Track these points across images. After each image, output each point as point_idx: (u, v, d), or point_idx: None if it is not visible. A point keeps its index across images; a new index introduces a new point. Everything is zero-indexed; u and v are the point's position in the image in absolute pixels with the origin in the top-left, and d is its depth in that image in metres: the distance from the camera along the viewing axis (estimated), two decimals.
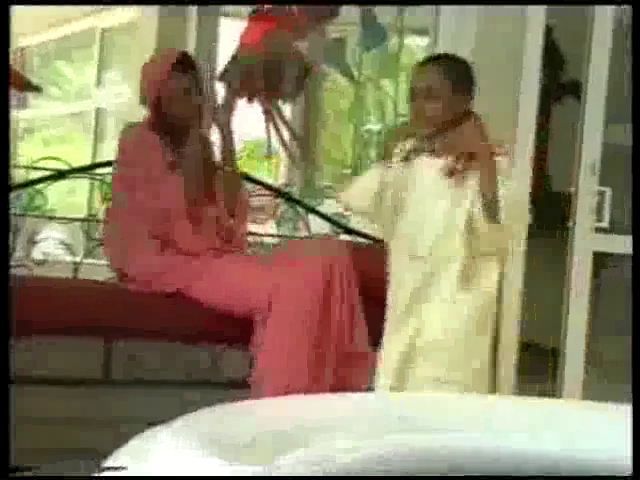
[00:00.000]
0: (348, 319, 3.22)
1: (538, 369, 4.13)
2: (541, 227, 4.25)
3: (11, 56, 7.75)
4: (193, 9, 4.78)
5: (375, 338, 3.04)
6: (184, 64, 3.46)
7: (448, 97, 2.83)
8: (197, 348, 3.39)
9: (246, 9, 4.00)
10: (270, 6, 3.88)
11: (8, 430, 1.76)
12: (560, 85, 5.43)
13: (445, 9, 4.30)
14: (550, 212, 4.37)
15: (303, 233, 4.45)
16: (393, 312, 2.92)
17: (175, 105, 3.41)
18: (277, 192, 4.41)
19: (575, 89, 4.15)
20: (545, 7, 4.00)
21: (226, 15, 4.94)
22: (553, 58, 5.25)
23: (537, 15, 4.02)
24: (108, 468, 1.30)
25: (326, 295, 3.17)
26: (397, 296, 2.91)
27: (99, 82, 7.43)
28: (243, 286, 3.24)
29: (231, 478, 1.29)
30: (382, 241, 4.32)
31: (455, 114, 2.84)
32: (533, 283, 4.15)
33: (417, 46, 5.96)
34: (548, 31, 4.26)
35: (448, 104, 2.83)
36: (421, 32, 4.84)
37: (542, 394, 2.68)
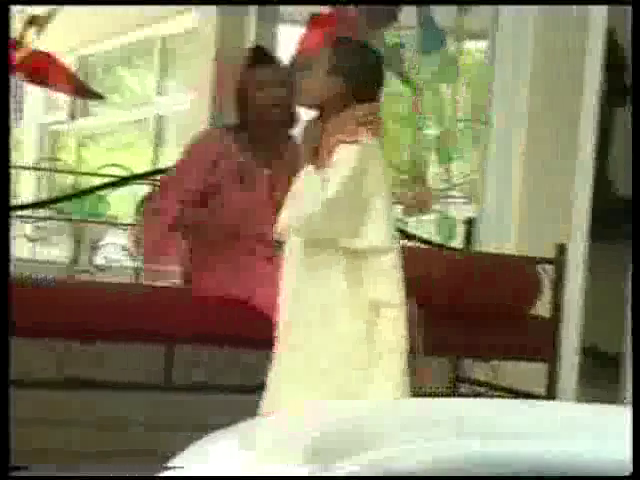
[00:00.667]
0: None
1: (601, 375, 4.08)
2: (603, 231, 4.21)
3: (74, 64, 7.85)
4: (252, 15, 4.81)
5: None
6: (260, 57, 3.47)
7: (323, 75, 2.80)
8: (258, 353, 3.40)
9: (305, 15, 4.02)
10: (329, 10, 3.89)
11: (8, 430, 1.80)
12: (623, 88, 5.37)
13: (504, 12, 4.28)
14: (612, 216, 4.32)
15: None
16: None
17: (255, 98, 3.37)
18: None
19: None
20: (607, 8, 3.96)
21: (285, 21, 4.96)
22: (615, 61, 5.19)
23: (598, 17, 3.97)
24: (167, 468, 1.32)
25: None
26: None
27: (160, 89, 7.50)
28: None
29: (293, 478, 1.30)
30: (442, 245, 4.32)
31: (333, 96, 2.78)
32: (595, 288, 4.10)
33: (476, 50, 5.93)
34: (610, 33, 4.22)
35: (325, 84, 2.79)
36: (479, 36, 4.82)
37: (604, 400, 2.64)
